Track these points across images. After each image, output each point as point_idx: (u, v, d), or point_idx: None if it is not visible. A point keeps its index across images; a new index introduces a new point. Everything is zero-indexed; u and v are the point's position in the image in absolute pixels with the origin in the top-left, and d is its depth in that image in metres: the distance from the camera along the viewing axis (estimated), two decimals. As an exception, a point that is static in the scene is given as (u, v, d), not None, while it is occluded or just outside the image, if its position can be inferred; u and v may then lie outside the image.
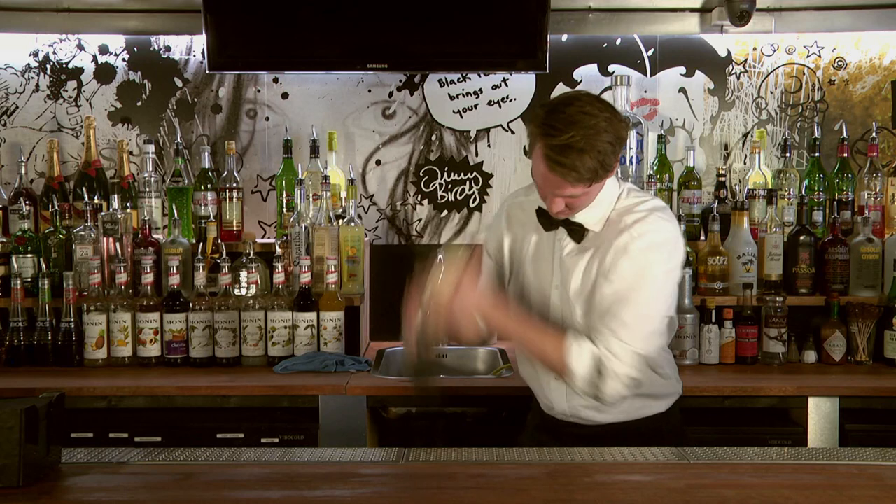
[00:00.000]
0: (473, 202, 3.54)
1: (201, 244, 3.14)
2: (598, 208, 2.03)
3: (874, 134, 3.31)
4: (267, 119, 3.51)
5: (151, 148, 3.32)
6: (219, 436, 2.69)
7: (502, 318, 2.02)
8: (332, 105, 3.50)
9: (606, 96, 3.49)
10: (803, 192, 3.27)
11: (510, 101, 3.50)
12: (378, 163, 3.53)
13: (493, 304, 2.01)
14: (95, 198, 3.24)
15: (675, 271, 2.02)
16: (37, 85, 3.48)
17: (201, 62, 3.45)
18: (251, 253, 3.10)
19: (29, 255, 3.15)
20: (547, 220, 2.08)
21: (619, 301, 1.96)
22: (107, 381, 2.82)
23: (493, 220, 2.34)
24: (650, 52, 3.49)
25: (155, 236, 3.23)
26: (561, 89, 3.49)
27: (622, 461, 1.77)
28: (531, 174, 2.03)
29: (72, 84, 3.48)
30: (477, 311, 1.97)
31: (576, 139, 1.82)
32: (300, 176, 3.26)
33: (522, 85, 3.49)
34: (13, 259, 3.12)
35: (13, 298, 3.07)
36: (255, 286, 3.07)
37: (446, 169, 3.52)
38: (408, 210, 3.54)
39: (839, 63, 3.49)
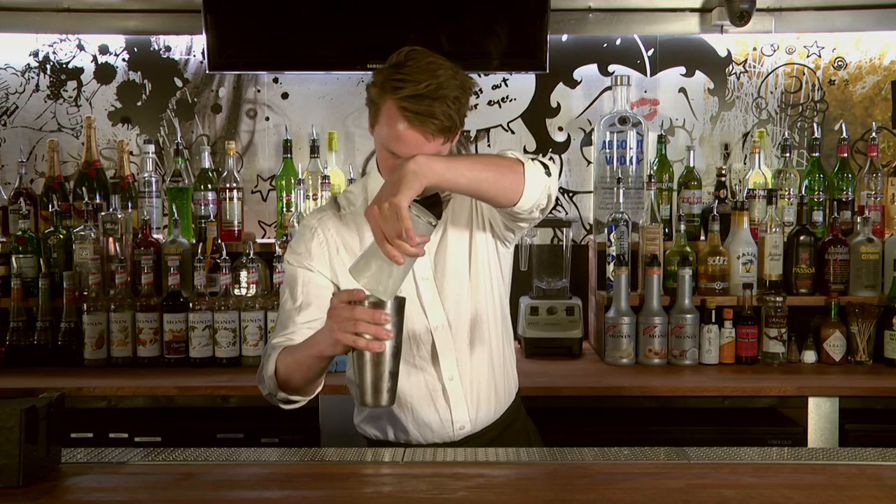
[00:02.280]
0: (473, 202, 3.54)
1: (201, 244, 3.14)
2: None
3: (874, 134, 3.31)
4: (267, 119, 3.51)
5: (151, 148, 3.32)
6: (219, 436, 2.69)
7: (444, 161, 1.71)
8: (332, 105, 3.50)
9: (606, 96, 3.50)
10: (803, 192, 3.27)
11: (510, 101, 3.50)
12: (378, 163, 3.52)
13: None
14: (95, 198, 3.24)
15: None
16: (37, 85, 3.48)
17: (201, 62, 3.45)
18: (251, 253, 3.10)
19: (29, 255, 3.15)
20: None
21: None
22: (107, 381, 2.82)
23: (301, 243, 2.02)
24: (650, 52, 3.49)
25: (155, 236, 3.24)
26: (561, 89, 3.50)
27: (622, 461, 1.77)
28: (378, 152, 1.90)
29: (72, 84, 3.48)
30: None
31: (430, 87, 1.76)
32: (300, 176, 3.26)
33: (522, 85, 3.48)
34: (13, 259, 3.12)
35: (13, 298, 3.07)
36: (255, 286, 3.07)
37: (446, 169, 3.52)
38: (408, 210, 3.53)
39: (839, 63, 3.49)
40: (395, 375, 1.73)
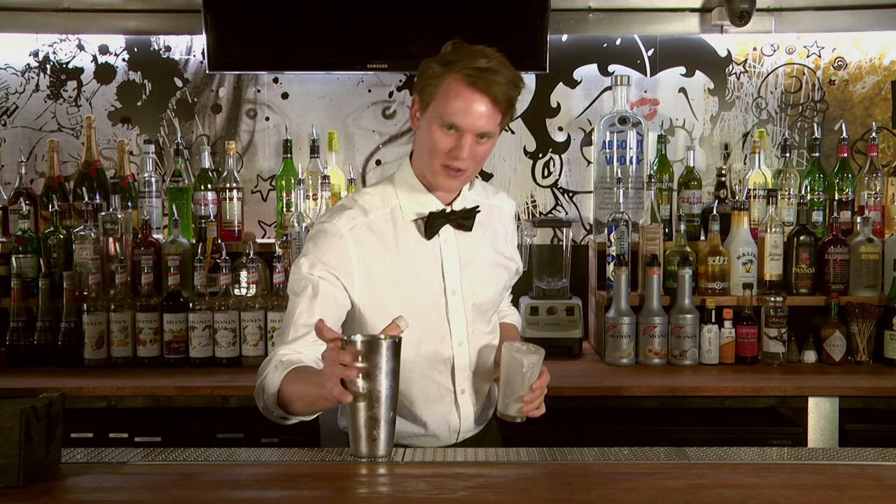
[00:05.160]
0: (473, 202, 3.54)
1: (201, 244, 3.14)
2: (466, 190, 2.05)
3: (874, 134, 3.31)
4: (267, 119, 3.51)
5: (151, 148, 3.32)
6: (219, 436, 2.69)
7: None
8: (332, 105, 3.50)
9: (606, 96, 3.50)
10: (803, 192, 3.27)
11: (510, 101, 3.49)
12: (378, 163, 3.53)
13: None
14: (95, 198, 3.24)
15: None
16: (37, 85, 3.48)
17: (201, 62, 3.45)
18: (251, 253, 3.10)
19: (29, 255, 3.15)
20: (429, 224, 1.95)
21: (517, 273, 2.20)
22: (107, 381, 2.82)
23: (328, 251, 1.93)
24: (650, 52, 3.49)
25: (155, 236, 3.24)
26: (561, 89, 3.50)
27: (622, 461, 1.77)
28: (427, 137, 1.89)
29: (72, 84, 3.48)
30: None
31: (491, 63, 1.85)
32: (300, 176, 3.26)
33: (522, 85, 3.48)
34: (13, 259, 3.12)
35: (13, 298, 3.07)
36: (255, 286, 3.06)
37: (446, 169, 3.52)
38: (408, 210, 3.53)
39: (839, 63, 3.49)
40: (391, 423, 1.70)
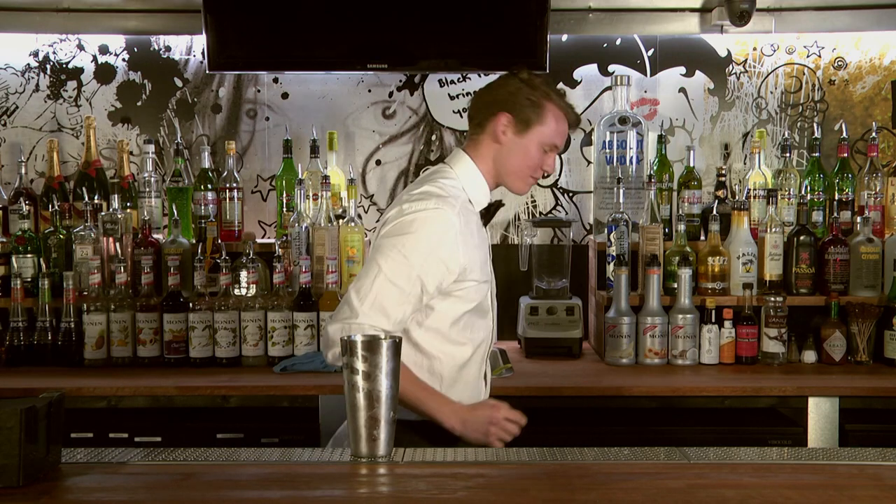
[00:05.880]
0: (473, 202, 3.54)
1: (201, 244, 3.14)
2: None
3: (874, 134, 3.31)
4: (267, 119, 3.51)
5: (151, 148, 3.32)
6: (219, 436, 2.69)
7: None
8: (332, 105, 3.50)
9: (606, 96, 3.50)
10: (803, 192, 3.27)
11: (510, 101, 3.49)
12: (378, 163, 3.53)
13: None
14: (95, 198, 3.24)
15: None
16: (37, 85, 3.48)
17: (201, 62, 3.45)
18: (251, 253, 3.10)
19: (29, 255, 3.15)
20: (486, 214, 2.23)
21: None
22: (107, 381, 2.82)
23: (438, 241, 2.05)
24: (650, 52, 3.49)
25: (155, 236, 3.23)
26: (561, 89, 3.49)
27: (622, 461, 1.77)
28: (525, 152, 2.17)
29: (72, 84, 3.48)
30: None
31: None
32: (300, 176, 3.26)
33: (522, 85, 3.48)
34: (13, 259, 3.12)
35: (13, 298, 3.07)
36: (254, 286, 3.07)
37: (446, 169, 3.52)
38: (408, 210, 3.53)
39: (839, 63, 3.49)
40: (391, 423, 1.71)
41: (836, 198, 3.28)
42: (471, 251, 2.07)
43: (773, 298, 3.02)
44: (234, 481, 1.66)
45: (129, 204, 3.29)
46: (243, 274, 3.09)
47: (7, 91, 3.48)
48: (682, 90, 3.51)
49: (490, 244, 2.29)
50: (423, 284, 2.02)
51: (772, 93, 3.51)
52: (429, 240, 2.02)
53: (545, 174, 2.24)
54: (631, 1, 3.38)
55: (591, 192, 3.50)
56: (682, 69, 3.50)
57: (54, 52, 3.47)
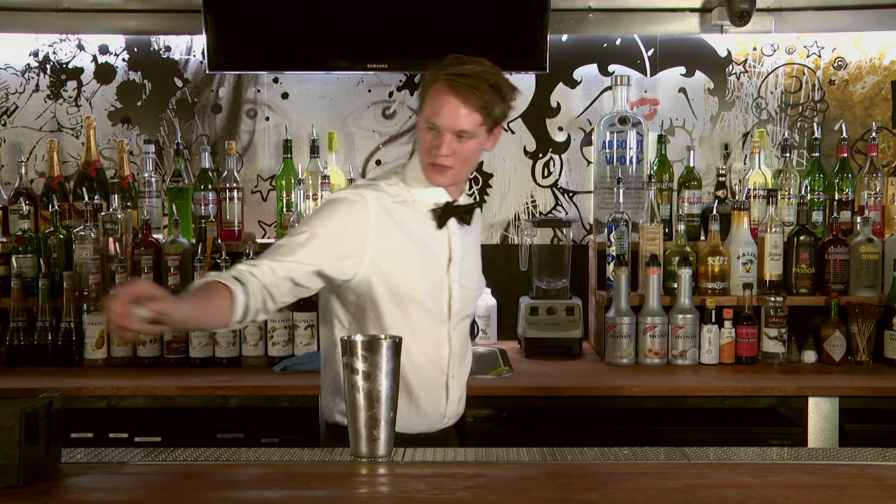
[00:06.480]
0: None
1: (201, 244, 3.14)
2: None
3: (874, 134, 3.31)
4: (267, 119, 3.51)
5: (151, 148, 3.32)
6: (219, 436, 2.69)
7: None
8: (332, 105, 3.50)
9: (606, 96, 3.50)
10: (803, 192, 3.27)
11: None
12: (378, 163, 3.53)
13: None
14: (95, 198, 3.24)
15: None
16: (37, 85, 3.48)
17: (201, 62, 3.45)
18: (251, 253, 3.10)
19: (29, 255, 3.15)
20: (441, 215, 2.09)
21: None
22: (107, 381, 2.83)
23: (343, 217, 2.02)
24: (650, 52, 3.49)
25: (155, 236, 3.23)
26: (561, 89, 3.50)
27: (622, 461, 1.77)
28: (420, 136, 2.07)
29: (72, 84, 3.48)
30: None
31: (476, 70, 2.01)
32: (300, 176, 3.26)
33: (522, 85, 3.47)
34: (13, 259, 3.12)
35: (13, 298, 3.07)
36: (255, 286, 3.06)
37: (446, 169, 3.52)
38: (408, 210, 3.54)
39: (839, 63, 3.49)
40: (391, 423, 1.71)
41: (836, 198, 3.28)
42: (392, 243, 2.01)
43: (773, 298, 3.02)
44: (234, 481, 1.66)
45: (129, 204, 3.29)
46: (243, 274, 3.08)
47: (7, 91, 3.48)
48: (682, 90, 3.51)
49: (478, 246, 2.27)
50: (318, 247, 1.96)
51: (772, 93, 3.51)
52: (335, 213, 2.01)
53: (439, 160, 2.01)
54: (631, 1, 3.38)
55: (591, 192, 3.50)
56: (682, 69, 3.50)
57: (54, 52, 3.47)
